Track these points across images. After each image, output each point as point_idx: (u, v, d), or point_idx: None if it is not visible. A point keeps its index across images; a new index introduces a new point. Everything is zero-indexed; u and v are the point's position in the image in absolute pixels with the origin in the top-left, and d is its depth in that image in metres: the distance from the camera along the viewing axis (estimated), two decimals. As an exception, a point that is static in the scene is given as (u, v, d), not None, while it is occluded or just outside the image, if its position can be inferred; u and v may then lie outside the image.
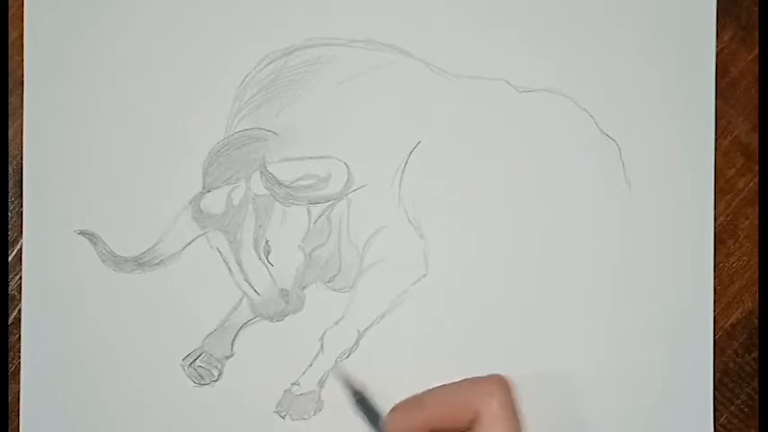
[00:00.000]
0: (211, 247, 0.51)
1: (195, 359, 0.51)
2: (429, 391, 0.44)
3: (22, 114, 0.51)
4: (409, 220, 0.52)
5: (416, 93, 0.52)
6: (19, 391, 0.51)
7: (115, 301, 0.51)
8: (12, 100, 0.51)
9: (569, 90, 0.53)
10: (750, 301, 0.53)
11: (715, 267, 0.53)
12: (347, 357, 0.51)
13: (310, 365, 0.51)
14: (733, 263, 0.53)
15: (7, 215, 0.51)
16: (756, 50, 0.54)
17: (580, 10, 0.53)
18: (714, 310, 0.53)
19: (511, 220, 0.52)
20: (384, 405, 0.46)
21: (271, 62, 0.52)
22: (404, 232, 0.52)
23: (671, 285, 0.52)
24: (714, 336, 0.53)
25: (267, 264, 0.51)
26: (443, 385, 0.44)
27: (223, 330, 0.51)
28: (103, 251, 0.51)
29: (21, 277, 0.51)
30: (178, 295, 0.51)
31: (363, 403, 0.48)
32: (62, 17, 0.51)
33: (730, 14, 0.53)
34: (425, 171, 0.52)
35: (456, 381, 0.43)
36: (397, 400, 0.44)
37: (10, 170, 0.51)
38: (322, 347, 0.51)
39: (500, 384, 0.42)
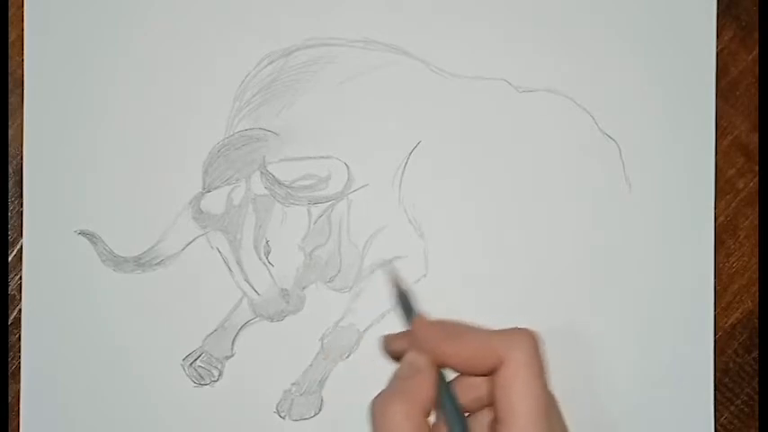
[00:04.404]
0: (211, 247, 0.51)
1: (195, 359, 0.51)
2: (467, 327, 0.43)
3: (22, 114, 0.51)
4: (409, 220, 0.52)
5: (416, 93, 0.52)
6: (19, 391, 0.51)
7: (115, 301, 0.51)
8: (12, 100, 0.51)
9: (569, 90, 0.53)
10: (750, 301, 0.53)
11: (715, 267, 0.53)
12: (347, 357, 0.52)
13: (310, 365, 0.51)
14: (733, 263, 0.53)
15: (7, 215, 0.51)
16: (756, 50, 0.54)
17: (580, 10, 0.53)
18: (714, 310, 0.53)
19: (511, 219, 0.52)
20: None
21: (271, 62, 0.52)
22: (404, 232, 0.52)
23: (671, 285, 0.52)
24: (714, 336, 0.53)
25: (267, 264, 0.51)
26: (477, 329, 0.43)
27: (223, 330, 0.51)
28: (103, 251, 0.51)
29: (21, 277, 0.51)
30: (178, 295, 0.51)
31: (404, 300, 0.46)
32: (62, 17, 0.51)
33: (730, 14, 0.53)
34: (425, 171, 0.52)
35: (487, 329, 0.43)
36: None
37: (10, 170, 0.51)
38: (322, 347, 0.51)
39: (529, 335, 0.42)
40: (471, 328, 0.42)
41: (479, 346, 0.41)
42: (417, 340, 0.42)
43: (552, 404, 0.41)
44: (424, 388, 0.41)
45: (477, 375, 0.41)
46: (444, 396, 0.41)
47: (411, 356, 0.42)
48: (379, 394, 0.41)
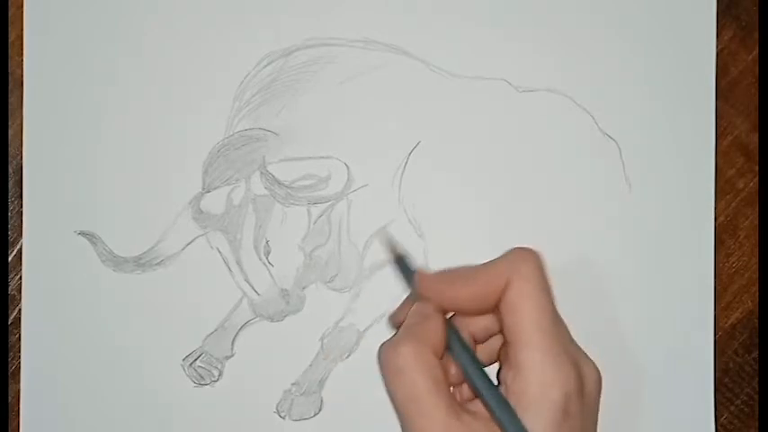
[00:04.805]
0: (211, 248, 0.51)
1: (195, 359, 0.51)
2: (467, 268, 0.43)
3: (21, 114, 0.51)
4: (409, 220, 0.52)
5: (416, 93, 0.52)
6: (19, 391, 0.51)
7: (115, 302, 0.51)
8: (12, 100, 0.51)
9: (569, 90, 0.53)
10: (750, 301, 0.53)
11: (715, 267, 0.53)
12: (347, 357, 0.52)
13: (310, 365, 0.51)
14: (733, 263, 0.53)
15: (7, 215, 0.51)
16: (756, 50, 0.54)
17: (580, 10, 0.53)
18: (714, 310, 0.53)
19: (511, 219, 0.52)
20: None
21: (271, 62, 0.52)
22: (404, 232, 0.52)
23: (671, 285, 0.52)
24: (714, 336, 0.53)
25: (267, 264, 0.51)
26: (477, 266, 0.43)
27: (223, 330, 0.51)
28: (103, 251, 0.51)
29: (21, 277, 0.51)
30: (178, 295, 0.51)
31: (402, 263, 0.47)
32: (62, 17, 0.51)
33: (730, 14, 0.53)
34: (425, 171, 0.52)
35: (486, 262, 0.43)
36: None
37: (10, 170, 0.51)
38: (322, 347, 0.51)
39: (530, 254, 0.41)
40: (471, 267, 0.42)
41: (484, 280, 0.41)
42: (423, 293, 0.42)
43: (559, 319, 0.41)
44: (434, 330, 0.41)
45: (486, 312, 0.41)
46: (453, 339, 0.42)
47: (417, 306, 0.42)
48: (388, 340, 0.41)
